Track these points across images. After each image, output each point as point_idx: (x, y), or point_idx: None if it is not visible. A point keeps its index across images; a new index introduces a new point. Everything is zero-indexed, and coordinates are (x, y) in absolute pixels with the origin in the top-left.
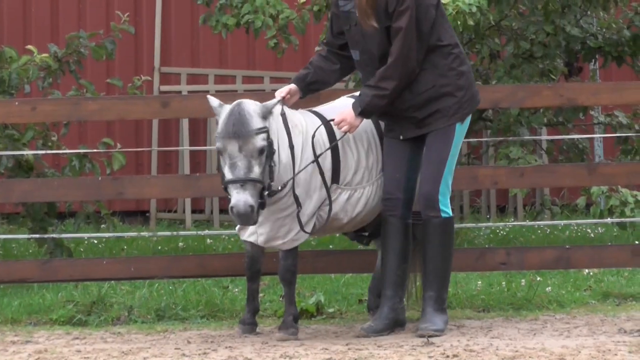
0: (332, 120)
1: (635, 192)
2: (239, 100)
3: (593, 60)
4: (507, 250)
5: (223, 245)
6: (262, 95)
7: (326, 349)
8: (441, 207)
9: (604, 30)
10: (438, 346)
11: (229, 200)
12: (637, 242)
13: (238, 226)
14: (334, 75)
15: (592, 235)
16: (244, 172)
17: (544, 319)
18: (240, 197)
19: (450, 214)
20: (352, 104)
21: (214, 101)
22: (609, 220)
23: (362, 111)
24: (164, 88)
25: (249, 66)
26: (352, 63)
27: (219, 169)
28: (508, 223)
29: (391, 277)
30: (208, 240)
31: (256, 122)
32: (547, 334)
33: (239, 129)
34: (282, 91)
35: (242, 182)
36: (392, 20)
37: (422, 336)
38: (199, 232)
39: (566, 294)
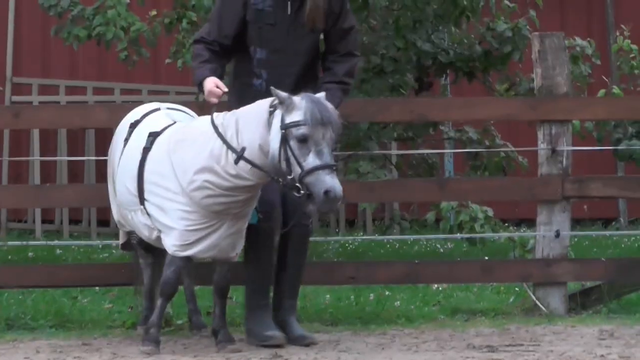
0: None
1: (485, 208)
2: (304, 93)
3: (444, 76)
4: (356, 264)
5: (72, 255)
6: (113, 107)
7: None
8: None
9: (456, 45)
10: (286, 359)
11: (300, 188)
12: (486, 258)
13: (183, 242)
14: (222, 72)
15: (441, 250)
16: (330, 158)
17: (392, 333)
18: (336, 182)
19: None
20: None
21: (281, 93)
22: (458, 235)
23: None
24: (16, 98)
25: (100, 77)
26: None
27: (287, 159)
28: (357, 237)
29: (267, 286)
30: (57, 251)
31: None
32: (396, 349)
33: (329, 117)
34: (223, 86)
35: (332, 168)
36: (338, 21)
37: (309, 345)
38: (49, 242)
39: (415, 309)
